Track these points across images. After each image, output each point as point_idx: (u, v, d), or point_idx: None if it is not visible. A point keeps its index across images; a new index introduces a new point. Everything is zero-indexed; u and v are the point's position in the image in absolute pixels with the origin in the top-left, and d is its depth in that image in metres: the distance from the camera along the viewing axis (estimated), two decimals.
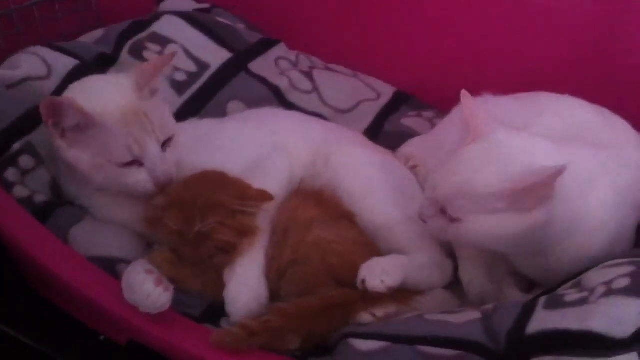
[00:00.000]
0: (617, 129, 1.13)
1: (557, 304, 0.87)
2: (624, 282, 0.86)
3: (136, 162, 1.03)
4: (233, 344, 0.88)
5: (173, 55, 1.16)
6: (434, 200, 0.98)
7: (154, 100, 1.07)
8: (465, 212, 0.95)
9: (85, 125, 1.01)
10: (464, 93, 1.02)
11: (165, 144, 1.06)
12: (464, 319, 0.92)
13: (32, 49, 1.29)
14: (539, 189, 0.91)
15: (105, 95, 1.05)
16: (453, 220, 0.96)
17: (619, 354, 0.78)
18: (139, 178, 1.03)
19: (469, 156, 0.97)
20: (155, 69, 1.08)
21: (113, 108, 1.02)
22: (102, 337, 1.04)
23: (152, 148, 1.03)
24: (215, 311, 1.00)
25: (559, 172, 0.89)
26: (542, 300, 0.90)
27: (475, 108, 1.01)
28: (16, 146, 1.13)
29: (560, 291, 0.93)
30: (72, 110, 1.00)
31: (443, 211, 0.97)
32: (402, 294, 1.01)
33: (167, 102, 1.14)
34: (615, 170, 1.02)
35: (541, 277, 1.05)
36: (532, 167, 0.92)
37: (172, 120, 1.10)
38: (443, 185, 0.97)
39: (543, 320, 0.85)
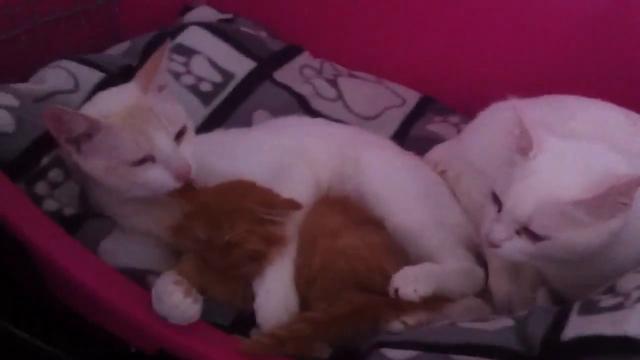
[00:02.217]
0: None
1: (591, 309, 0.86)
2: None
3: (149, 159, 1.01)
4: (262, 353, 0.88)
5: (166, 46, 1.12)
6: (509, 221, 0.92)
7: (160, 95, 1.07)
8: (553, 229, 0.90)
9: (93, 131, 1.01)
10: (514, 104, 0.99)
11: (179, 138, 1.04)
12: (496, 326, 0.90)
13: (59, 62, 1.30)
14: (620, 196, 0.88)
15: (109, 100, 1.06)
16: (537, 239, 0.91)
17: None
18: (156, 174, 1.02)
19: (541, 169, 0.92)
20: (153, 67, 1.07)
21: (117, 108, 1.03)
22: (133, 349, 1.04)
23: (162, 140, 1.01)
24: (244, 320, 1.00)
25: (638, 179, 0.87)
26: (576, 306, 0.88)
27: (530, 118, 0.97)
28: (45, 160, 1.14)
29: (594, 297, 0.91)
30: (73, 117, 1.00)
31: (520, 232, 0.92)
32: (432, 301, 1.00)
33: (190, 113, 1.13)
34: None
35: (574, 292, 1.02)
36: (610, 174, 0.89)
37: (181, 111, 1.09)
38: (523, 203, 0.91)
39: (578, 325, 0.84)
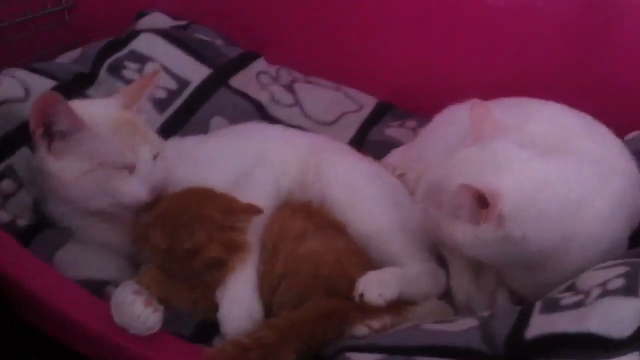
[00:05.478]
0: (601, 137, 1.13)
1: (553, 307, 0.87)
2: (619, 283, 0.85)
3: (128, 168, 1.01)
4: None
5: (157, 73, 1.15)
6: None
7: (141, 117, 1.07)
8: (435, 207, 0.97)
9: (74, 130, 0.99)
10: (475, 100, 1.03)
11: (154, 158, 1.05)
12: (460, 327, 0.91)
13: (9, 70, 1.27)
14: (470, 205, 0.93)
15: (94, 107, 1.05)
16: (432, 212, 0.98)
17: (618, 355, 0.77)
18: (131, 185, 1.01)
19: (459, 157, 0.99)
20: (141, 89, 1.08)
21: (104, 116, 1.03)
22: None
23: (146, 154, 1.02)
24: (206, 329, 0.99)
25: (493, 195, 0.90)
26: (538, 304, 0.89)
27: (484, 114, 1.02)
28: None
29: (555, 295, 0.92)
30: (63, 110, 0.98)
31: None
32: (396, 304, 1.00)
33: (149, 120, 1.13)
34: (606, 183, 1.01)
35: (532, 292, 1.03)
36: (480, 182, 0.92)
37: (158, 137, 1.10)
38: (430, 173, 1.01)
39: (540, 324, 0.84)
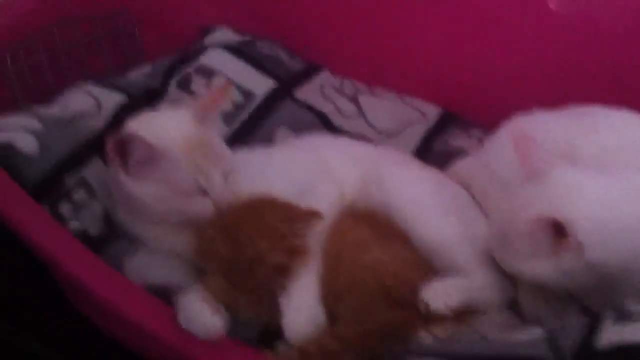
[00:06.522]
0: None
1: (626, 317, 0.85)
2: None
3: (200, 191, 1.03)
4: None
5: (229, 86, 1.18)
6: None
7: (214, 133, 1.09)
8: (509, 252, 0.96)
9: (151, 159, 1.01)
10: (514, 137, 1.02)
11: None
12: (527, 337, 0.89)
13: (81, 85, 1.32)
14: (547, 238, 0.91)
15: (167, 127, 1.05)
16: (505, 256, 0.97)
17: None
18: (205, 207, 1.03)
19: (520, 196, 0.99)
20: (213, 101, 1.10)
21: (177, 139, 1.03)
22: None
23: (218, 179, 1.04)
24: (270, 334, 0.99)
25: (568, 222, 0.88)
26: (610, 314, 0.87)
27: (527, 147, 1.01)
28: (69, 181, 1.14)
29: (627, 306, 0.90)
30: (138, 145, 1.00)
31: None
32: (461, 313, 0.98)
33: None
34: None
35: (604, 307, 1.01)
36: (552, 212, 0.91)
37: (229, 152, 1.11)
38: (491, 224, 1.01)
39: (612, 334, 0.82)
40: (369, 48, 1.60)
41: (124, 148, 1.01)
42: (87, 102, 1.28)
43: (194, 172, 1.02)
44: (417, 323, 0.96)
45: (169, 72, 1.44)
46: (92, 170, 1.18)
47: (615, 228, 0.92)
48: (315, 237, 1.03)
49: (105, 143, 1.01)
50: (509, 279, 1.06)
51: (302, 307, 0.98)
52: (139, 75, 1.46)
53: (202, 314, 0.90)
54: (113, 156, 1.02)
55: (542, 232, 0.91)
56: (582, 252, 0.90)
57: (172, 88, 1.41)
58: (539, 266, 0.94)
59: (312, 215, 1.02)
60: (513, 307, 1.06)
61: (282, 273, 0.99)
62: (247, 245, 0.98)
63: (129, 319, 0.96)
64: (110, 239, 1.12)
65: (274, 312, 0.99)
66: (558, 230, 0.90)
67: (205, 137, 1.06)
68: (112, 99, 1.31)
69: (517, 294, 1.07)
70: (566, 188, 0.95)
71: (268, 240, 0.98)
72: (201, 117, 1.07)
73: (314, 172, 1.17)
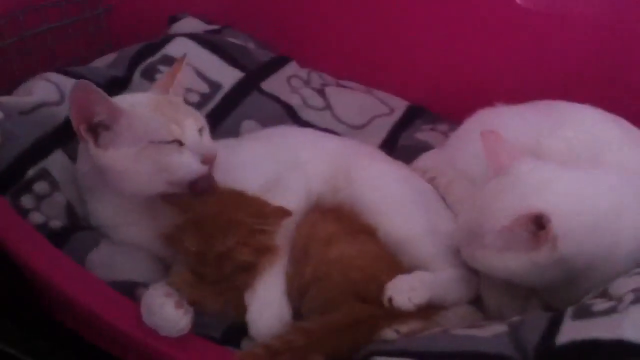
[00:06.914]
0: (635, 140, 1.11)
1: (585, 313, 0.85)
2: None
3: (176, 142, 1.03)
4: None
5: (183, 59, 1.18)
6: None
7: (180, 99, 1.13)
8: (478, 247, 0.96)
9: (115, 117, 1.02)
10: (482, 132, 1.03)
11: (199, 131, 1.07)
12: (490, 333, 0.90)
13: (45, 75, 1.29)
14: (526, 232, 0.92)
15: (130, 98, 1.09)
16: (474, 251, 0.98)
17: None
18: (183, 157, 1.03)
19: (489, 192, 0.99)
20: (170, 77, 1.14)
21: (141, 100, 1.07)
22: None
23: (191, 127, 1.04)
24: (236, 332, 0.99)
25: (543, 217, 0.89)
26: (570, 310, 0.88)
27: (494, 143, 1.02)
28: (30, 172, 1.13)
29: (587, 301, 0.91)
30: (99, 98, 1.01)
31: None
32: (426, 309, 0.99)
33: None
34: None
35: (567, 303, 1.02)
36: (530, 206, 0.91)
37: (199, 113, 1.12)
38: (459, 221, 1.01)
39: (572, 330, 0.83)
40: (337, 40, 1.60)
41: (89, 118, 1.01)
42: (50, 91, 1.26)
43: (164, 122, 1.02)
44: (382, 318, 0.97)
45: (133, 62, 1.42)
46: (55, 162, 1.16)
47: (585, 222, 0.93)
48: (283, 232, 1.03)
49: (70, 113, 1.02)
50: (474, 275, 1.07)
51: (267, 303, 0.98)
52: (104, 64, 1.44)
53: (164, 310, 0.89)
54: (78, 125, 1.02)
55: (520, 226, 0.91)
56: (557, 245, 0.91)
57: (137, 77, 1.39)
58: (512, 260, 0.94)
59: (281, 212, 1.01)
60: (477, 303, 1.07)
61: (248, 271, 0.99)
62: (216, 240, 0.98)
63: (91, 316, 0.95)
64: (73, 231, 1.10)
65: (240, 308, 0.99)
66: (536, 224, 0.90)
67: (172, 98, 1.10)
68: None
69: (480, 290, 1.08)
70: (540, 182, 0.96)
71: (236, 236, 0.98)
72: (165, 89, 1.12)
73: (283, 164, 1.17)
